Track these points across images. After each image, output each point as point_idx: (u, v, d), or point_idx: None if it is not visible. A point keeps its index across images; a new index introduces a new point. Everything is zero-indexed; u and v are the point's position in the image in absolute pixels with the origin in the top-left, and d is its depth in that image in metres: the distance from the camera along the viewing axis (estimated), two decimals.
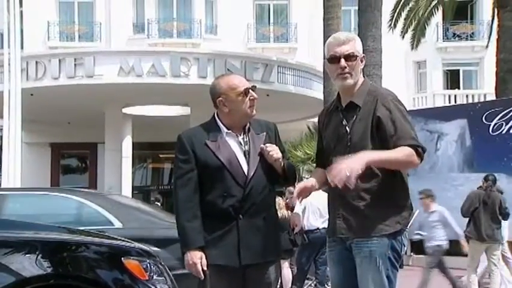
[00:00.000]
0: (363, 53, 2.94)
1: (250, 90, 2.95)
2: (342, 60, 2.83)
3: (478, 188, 8.16)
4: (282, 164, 2.96)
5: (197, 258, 2.86)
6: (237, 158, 2.94)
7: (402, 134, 2.77)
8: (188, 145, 2.94)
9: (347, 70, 2.83)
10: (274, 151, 2.93)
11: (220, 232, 2.89)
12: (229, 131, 2.98)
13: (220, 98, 2.96)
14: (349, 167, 2.60)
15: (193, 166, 2.93)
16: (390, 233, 2.76)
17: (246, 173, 2.92)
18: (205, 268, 2.87)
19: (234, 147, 2.96)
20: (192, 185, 2.92)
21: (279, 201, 8.33)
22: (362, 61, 2.90)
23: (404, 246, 2.83)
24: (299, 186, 2.85)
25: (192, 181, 2.92)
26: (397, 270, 2.81)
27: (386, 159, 2.73)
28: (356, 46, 2.88)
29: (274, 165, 2.95)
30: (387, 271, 2.76)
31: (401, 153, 2.74)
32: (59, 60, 16.03)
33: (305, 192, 2.86)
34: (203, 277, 2.87)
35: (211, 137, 2.95)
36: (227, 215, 2.90)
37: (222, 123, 2.99)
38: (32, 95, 15.01)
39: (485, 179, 8.09)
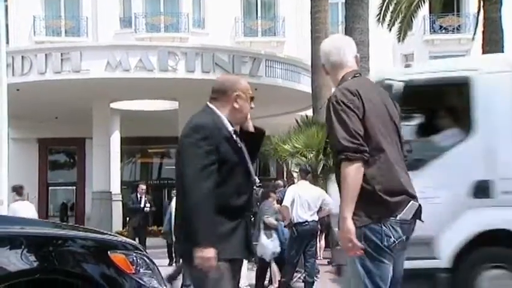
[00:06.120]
0: None
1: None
2: None
3: None
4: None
5: (212, 254, 2.76)
6: (246, 155, 2.94)
7: (332, 147, 2.83)
8: (213, 136, 2.83)
9: None
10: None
11: (231, 227, 2.86)
12: (234, 128, 2.96)
13: (238, 93, 2.95)
14: (345, 247, 2.78)
15: (216, 159, 2.81)
16: (362, 225, 2.78)
17: (251, 170, 2.95)
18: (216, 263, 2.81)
19: (241, 144, 2.94)
20: (213, 179, 2.79)
21: (272, 194, 8.45)
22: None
23: (388, 237, 2.80)
24: None
25: (213, 174, 2.80)
26: (379, 261, 2.81)
27: (347, 202, 2.75)
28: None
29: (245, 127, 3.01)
30: (361, 260, 2.79)
31: (343, 183, 2.75)
32: (46, 55, 15.89)
33: None
34: (214, 272, 2.78)
35: (227, 132, 2.90)
36: (238, 211, 2.90)
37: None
38: (18, 90, 14.88)
39: None
